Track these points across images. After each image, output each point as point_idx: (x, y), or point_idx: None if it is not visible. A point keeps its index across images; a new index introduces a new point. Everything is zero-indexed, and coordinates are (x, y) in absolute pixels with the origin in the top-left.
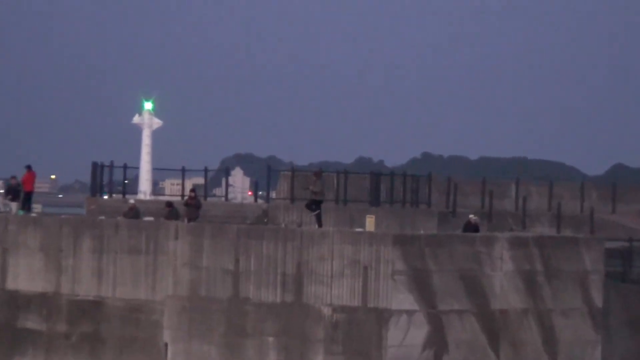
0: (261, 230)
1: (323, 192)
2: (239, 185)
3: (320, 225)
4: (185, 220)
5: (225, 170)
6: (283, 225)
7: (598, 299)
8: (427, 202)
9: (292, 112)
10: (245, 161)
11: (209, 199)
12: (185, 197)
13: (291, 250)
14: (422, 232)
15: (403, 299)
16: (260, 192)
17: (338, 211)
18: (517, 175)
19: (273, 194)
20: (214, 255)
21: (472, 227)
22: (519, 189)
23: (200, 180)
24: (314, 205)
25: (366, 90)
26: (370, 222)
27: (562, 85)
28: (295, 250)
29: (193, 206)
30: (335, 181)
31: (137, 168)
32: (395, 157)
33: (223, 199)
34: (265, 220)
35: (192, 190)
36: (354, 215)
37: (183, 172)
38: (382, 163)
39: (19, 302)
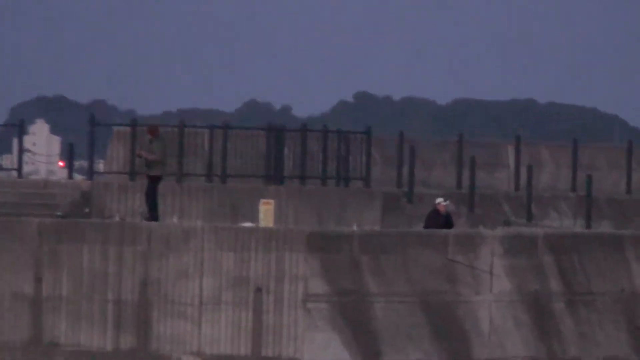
0: (80, 228)
1: (164, 161)
2: (43, 150)
3: (153, 217)
4: None
5: (18, 125)
6: (117, 219)
7: None
8: (364, 177)
9: (134, 29)
10: (54, 109)
11: None
12: None
13: (132, 260)
14: (355, 227)
15: (323, 343)
16: (78, 162)
17: (212, 193)
18: (517, 130)
19: (100, 165)
20: None
21: (441, 219)
22: (520, 153)
23: None
24: (150, 186)
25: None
26: (266, 212)
27: None
28: (138, 262)
29: None
30: (206, 142)
31: None
32: (310, 101)
33: (14, 173)
34: (87, 210)
35: None
36: (239, 200)
37: None
38: (289, 111)
39: None
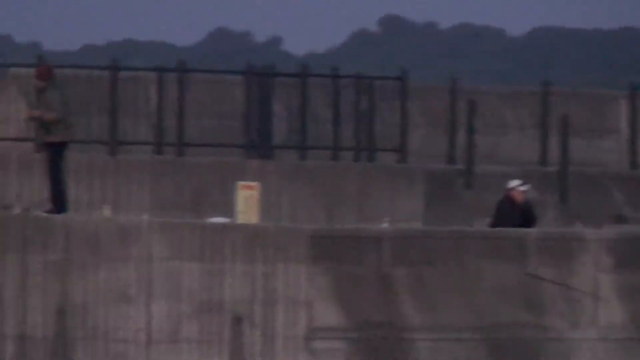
0: None
1: (66, 117)
2: None
3: (58, 206)
4: None
5: None
6: (18, 210)
7: None
8: (399, 148)
9: None
10: None
11: None
12: None
13: (41, 275)
14: (386, 225)
15: None
16: None
17: (164, 171)
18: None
19: None
20: None
21: (517, 213)
22: (638, 109)
23: None
24: (52, 158)
25: None
26: (248, 200)
27: None
28: (51, 277)
29: None
30: (152, 93)
31: None
32: (311, 30)
33: None
34: None
35: None
36: (205, 183)
37: None
38: (277, 45)
39: None
